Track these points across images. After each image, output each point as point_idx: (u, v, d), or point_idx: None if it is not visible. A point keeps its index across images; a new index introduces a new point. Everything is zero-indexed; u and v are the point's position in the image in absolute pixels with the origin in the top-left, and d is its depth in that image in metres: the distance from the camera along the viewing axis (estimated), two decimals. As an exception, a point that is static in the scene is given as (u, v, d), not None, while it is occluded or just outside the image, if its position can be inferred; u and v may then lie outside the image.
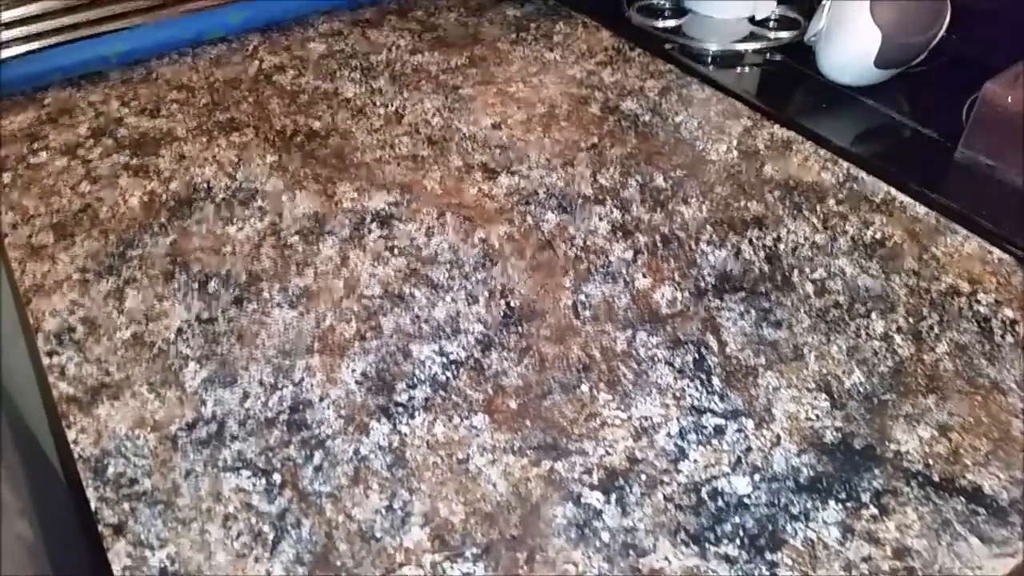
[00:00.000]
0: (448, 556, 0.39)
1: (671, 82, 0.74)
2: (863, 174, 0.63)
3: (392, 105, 0.71)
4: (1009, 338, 0.50)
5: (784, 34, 0.81)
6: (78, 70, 0.74)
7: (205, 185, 0.62)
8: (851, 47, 0.72)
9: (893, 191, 0.61)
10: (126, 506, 0.41)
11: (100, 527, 0.40)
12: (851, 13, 0.71)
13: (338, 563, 0.38)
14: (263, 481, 0.42)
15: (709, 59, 0.79)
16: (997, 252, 0.56)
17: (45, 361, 0.49)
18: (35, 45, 0.71)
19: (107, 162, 0.64)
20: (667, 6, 0.86)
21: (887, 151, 0.67)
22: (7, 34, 0.69)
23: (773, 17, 0.84)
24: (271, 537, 0.40)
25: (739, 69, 0.78)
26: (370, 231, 0.58)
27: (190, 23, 0.77)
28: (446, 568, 0.38)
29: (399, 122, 0.69)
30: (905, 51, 0.73)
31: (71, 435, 0.44)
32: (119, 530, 0.40)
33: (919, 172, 0.64)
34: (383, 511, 0.41)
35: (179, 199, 0.61)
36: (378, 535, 0.40)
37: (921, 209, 0.59)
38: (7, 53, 0.70)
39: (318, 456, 0.43)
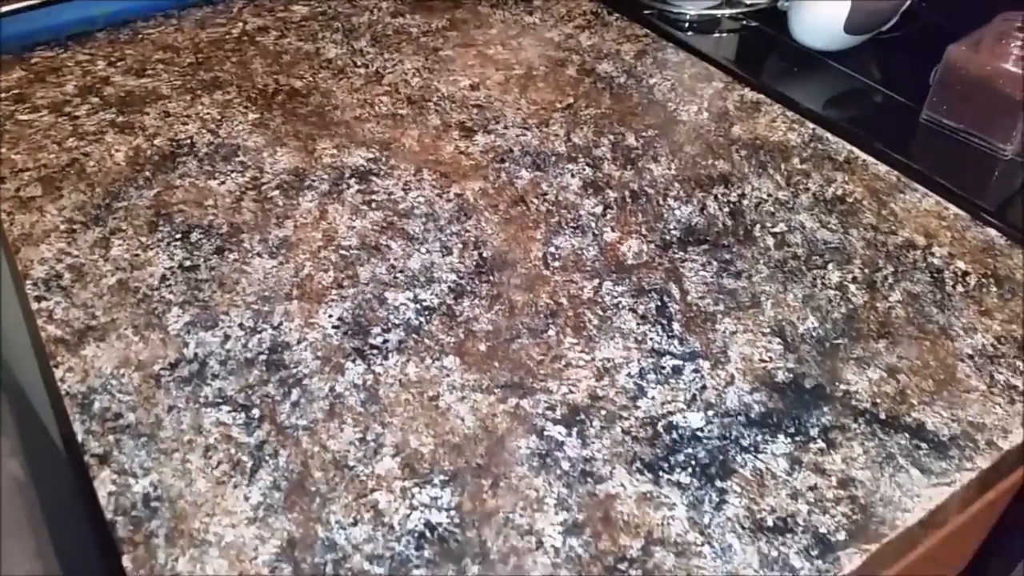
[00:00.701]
0: (417, 482, 0.41)
1: (647, 46, 0.75)
2: (828, 135, 0.65)
3: (373, 66, 0.72)
4: (960, 288, 0.52)
5: (759, 0, 0.82)
6: (65, 30, 0.75)
7: (189, 141, 0.63)
8: (821, 12, 0.74)
9: (856, 151, 0.63)
10: (111, 438, 0.43)
11: (86, 457, 0.42)
12: (822, -23, 0.73)
13: (313, 489, 0.41)
14: (242, 415, 0.44)
15: (686, 25, 0.80)
16: (953, 208, 0.58)
17: (34, 306, 0.50)
18: (23, 4, 0.72)
19: (93, 119, 0.66)
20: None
21: (854, 113, 0.69)
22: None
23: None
24: (249, 465, 0.42)
25: (715, 35, 0.80)
26: (349, 186, 0.59)
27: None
28: (415, 493, 0.40)
29: (379, 82, 0.70)
30: (874, 16, 0.74)
31: (59, 373, 0.46)
32: (104, 459, 0.42)
33: (884, 133, 0.66)
34: (356, 443, 0.43)
35: (163, 154, 0.62)
36: (351, 464, 0.42)
37: (883, 168, 0.61)
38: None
39: (295, 393, 0.45)
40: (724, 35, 0.80)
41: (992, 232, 0.56)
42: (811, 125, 0.65)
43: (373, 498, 0.40)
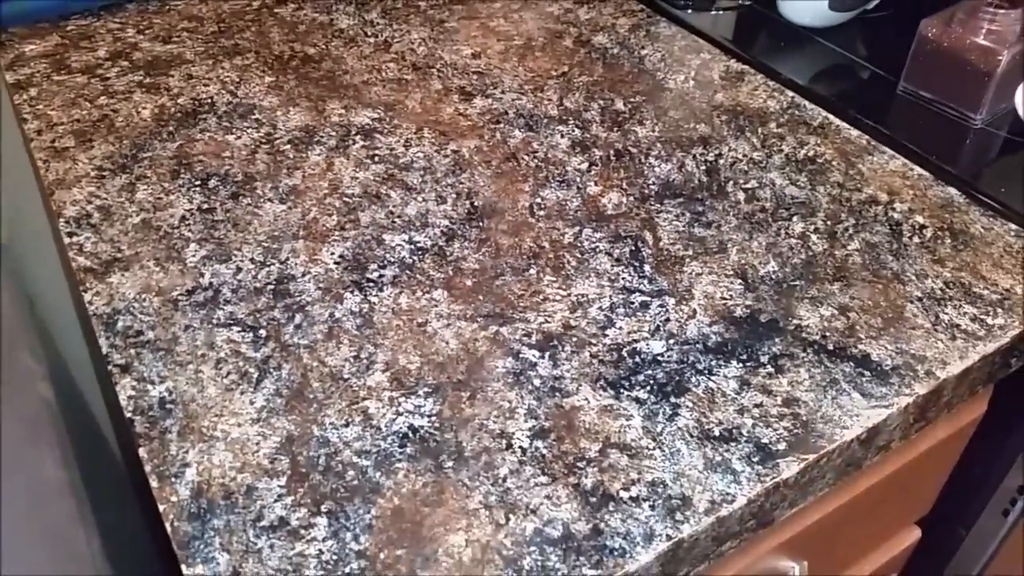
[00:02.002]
0: (403, 393, 0.46)
1: (641, 20, 0.79)
2: (806, 102, 0.69)
3: (382, 36, 0.77)
4: (916, 239, 0.56)
5: (754, -21, 0.86)
6: (99, 1, 0.81)
7: (209, 100, 0.69)
8: (808, -11, 0.77)
9: (831, 117, 0.67)
10: (132, 351, 0.48)
11: (109, 367, 0.47)
12: (809, -42, 0.77)
13: (311, 396, 0.46)
14: (250, 335, 0.49)
15: (682, 3, 0.84)
16: (918, 169, 0.62)
17: (66, 240, 0.56)
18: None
19: (123, 80, 0.71)
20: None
21: (834, 84, 0.73)
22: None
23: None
24: (255, 376, 0.47)
25: (709, 12, 0.84)
26: (354, 142, 0.64)
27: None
28: (401, 402, 0.45)
29: (387, 50, 0.75)
30: (859, -5, 0.78)
31: (87, 298, 0.52)
32: (125, 369, 0.47)
33: (860, 102, 0.70)
34: (351, 359, 0.48)
35: (186, 112, 0.67)
36: (346, 376, 0.47)
37: (855, 132, 0.65)
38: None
39: (299, 317, 0.50)
40: (718, 13, 0.84)
41: (952, 191, 0.60)
42: (791, 94, 0.69)
43: (364, 405, 0.45)
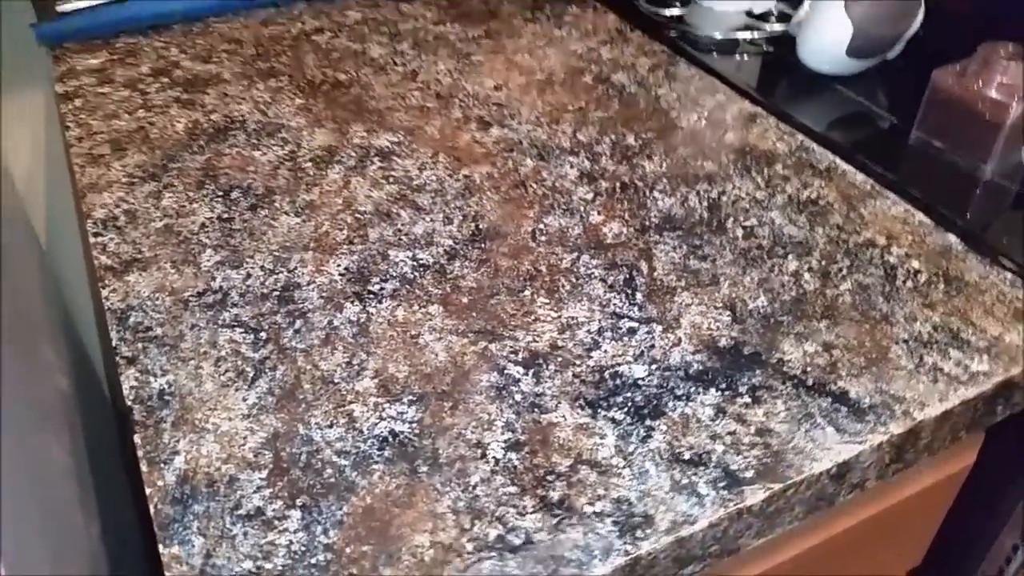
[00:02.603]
0: (388, 400, 0.48)
1: (661, 61, 0.82)
2: (815, 146, 0.70)
3: (410, 65, 0.81)
4: (909, 283, 0.57)
5: (778, 27, 0.88)
6: (147, 22, 0.86)
7: (241, 118, 0.72)
8: (826, 37, 0.79)
9: (838, 161, 0.68)
10: (139, 345, 0.51)
11: (117, 358, 0.50)
12: (828, 6, 0.79)
13: (301, 397, 0.48)
14: (251, 336, 0.52)
15: (704, 46, 0.86)
16: (920, 216, 0.63)
17: (92, 240, 0.59)
18: (112, -4, 0.83)
19: (161, 95, 0.75)
20: (677, -2, 0.94)
21: (846, 130, 0.74)
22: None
23: (773, 12, 0.91)
24: (251, 375, 0.49)
25: (729, 56, 0.86)
26: (372, 163, 0.67)
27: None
28: (385, 408, 0.47)
29: (413, 79, 0.78)
30: (877, 44, 0.80)
31: (104, 293, 0.55)
32: (132, 361, 0.50)
33: (870, 148, 0.71)
34: (343, 365, 0.50)
35: (217, 128, 0.71)
36: (336, 381, 0.49)
37: (860, 177, 0.66)
38: (90, 3, 0.82)
39: (299, 323, 0.53)
40: (739, 57, 0.86)
41: (952, 238, 0.60)
42: (801, 137, 0.71)
43: (349, 408, 0.47)
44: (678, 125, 0.72)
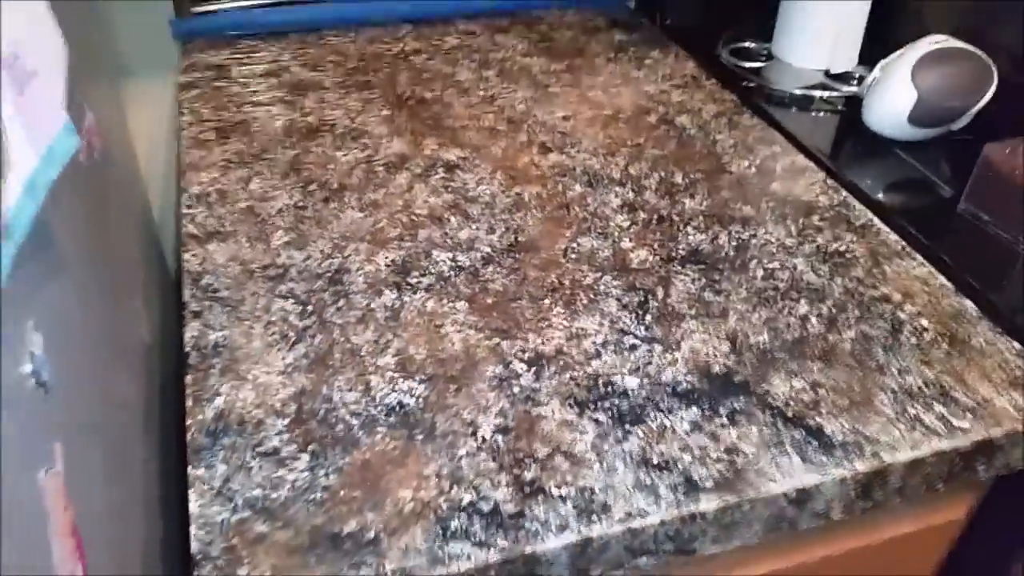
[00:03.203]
0: (403, 376, 0.54)
1: (727, 109, 0.86)
2: (856, 203, 0.73)
3: (491, 91, 0.88)
4: (913, 339, 0.59)
5: (853, 88, 0.91)
6: (269, 28, 0.96)
7: (331, 122, 0.81)
8: (889, 102, 0.82)
9: (876, 220, 0.71)
10: (206, 303, 0.59)
11: (185, 312, 0.59)
12: (896, 71, 0.82)
13: (330, 363, 0.55)
14: (300, 308, 0.59)
15: (777, 100, 0.90)
16: (942, 279, 0.65)
17: (184, 211, 0.68)
18: (241, 3, 0.94)
19: (268, 94, 0.85)
20: (761, 52, 0.98)
21: (894, 193, 0.77)
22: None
23: (852, 73, 0.94)
24: (293, 339, 0.57)
25: (801, 112, 0.89)
26: (437, 173, 0.74)
27: (365, 7, 0.98)
28: (399, 382, 0.54)
29: (491, 103, 0.85)
30: (941, 114, 0.82)
31: (186, 257, 0.63)
32: (197, 315, 0.58)
33: (913, 212, 0.73)
34: (371, 342, 0.57)
35: (310, 128, 0.80)
36: (362, 354, 0.56)
37: (893, 237, 0.69)
38: (222, 6, 0.93)
39: (342, 302, 0.60)
40: (807, 113, 0.90)
41: (969, 304, 0.63)
42: (844, 194, 0.74)
43: (368, 378, 0.54)
44: (727, 169, 0.76)
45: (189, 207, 0.68)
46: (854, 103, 0.87)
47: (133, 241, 0.78)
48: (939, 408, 0.54)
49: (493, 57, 0.95)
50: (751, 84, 0.93)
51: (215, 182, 0.72)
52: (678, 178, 0.75)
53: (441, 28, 1.01)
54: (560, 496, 0.47)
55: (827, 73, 0.95)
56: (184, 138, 0.77)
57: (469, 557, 0.44)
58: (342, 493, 0.47)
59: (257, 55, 0.92)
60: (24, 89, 0.40)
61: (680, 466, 0.49)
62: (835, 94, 0.91)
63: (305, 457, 0.49)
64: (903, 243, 0.69)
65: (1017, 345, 0.59)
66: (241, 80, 0.87)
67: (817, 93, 0.91)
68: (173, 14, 0.94)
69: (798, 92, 0.91)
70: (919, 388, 0.55)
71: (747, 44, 1.00)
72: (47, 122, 0.42)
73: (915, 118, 0.81)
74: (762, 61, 0.97)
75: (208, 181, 0.72)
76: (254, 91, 0.85)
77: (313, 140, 0.78)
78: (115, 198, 0.71)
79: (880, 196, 0.75)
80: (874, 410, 0.54)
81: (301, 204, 0.70)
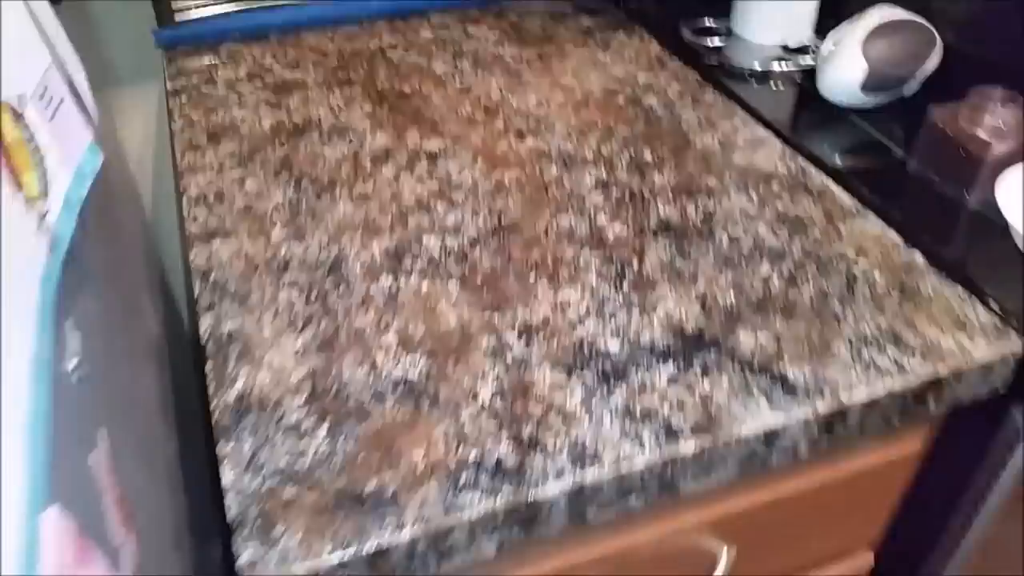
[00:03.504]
0: (406, 352, 0.59)
1: (691, 87, 0.91)
2: (813, 169, 0.78)
3: (467, 82, 0.92)
4: (867, 291, 0.65)
5: (809, 60, 0.96)
6: (249, 32, 1.00)
7: (317, 120, 0.85)
8: (841, 73, 0.87)
9: (831, 183, 0.77)
10: (216, 296, 0.64)
11: (197, 307, 0.63)
12: (846, 43, 0.87)
13: (337, 345, 0.60)
14: (304, 296, 0.64)
15: (739, 76, 0.95)
16: (894, 236, 0.71)
17: (185, 212, 0.73)
18: (220, 10, 0.98)
19: (253, 96, 0.89)
20: (719, 29, 1.03)
21: (849, 158, 0.83)
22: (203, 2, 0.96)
23: (809, 46, 0.99)
24: (301, 325, 0.61)
25: (756, 85, 0.95)
26: (420, 163, 0.79)
27: (340, 6, 1.02)
28: (402, 358, 0.59)
29: (467, 94, 0.90)
30: (891, 81, 0.87)
31: (191, 255, 0.68)
32: (209, 308, 0.63)
33: (866, 174, 0.79)
34: (373, 324, 0.62)
35: (297, 127, 0.84)
36: (366, 335, 0.61)
37: (847, 198, 0.75)
38: (202, 13, 0.97)
39: (342, 288, 0.65)
40: (766, 86, 0.95)
41: (918, 256, 0.68)
42: (803, 162, 0.80)
43: (374, 356, 0.59)
44: (692, 144, 0.82)
45: (190, 209, 0.73)
46: (811, 75, 0.92)
47: (136, 242, 0.82)
48: (891, 351, 0.60)
49: (467, 48, 0.99)
50: (712, 62, 0.98)
51: (211, 184, 0.76)
52: (647, 155, 0.80)
53: (415, 22, 1.05)
54: (556, 448, 0.53)
55: (785, 47, 1.00)
56: (177, 143, 0.81)
57: (479, 504, 0.49)
58: (360, 458, 0.52)
59: (239, 58, 0.96)
60: (54, 115, 0.44)
61: (660, 415, 0.55)
62: (792, 67, 0.96)
63: (323, 429, 0.54)
64: (857, 204, 0.74)
65: (961, 290, 0.65)
66: (227, 84, 0.91)
67: (775, 67, 0.96)
68: (155, 24, 0.97)
69: (757, 67, 0.96)
70: (873, 335, 0.61)
71: (708, 23, 1.05)
72: (75, 142, 0.46)
73: (868, 87, 0.87)
74: (722, 38, 1.02)
75: (205, 183, 0.76)
76: (240, 93, 0.89)
77: (301, 138, 0.83)
78: (118, 203, 0.76)
79: (836, 161, 0.81)
80: (832, 356, 0.59)
81: (295, 200, 0.74)
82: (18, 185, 0.38)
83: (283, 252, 0.68)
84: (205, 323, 0.62)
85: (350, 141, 0.82)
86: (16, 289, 0.35)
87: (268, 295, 0.64)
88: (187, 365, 0.88)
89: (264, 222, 0.72)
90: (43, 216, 0.39)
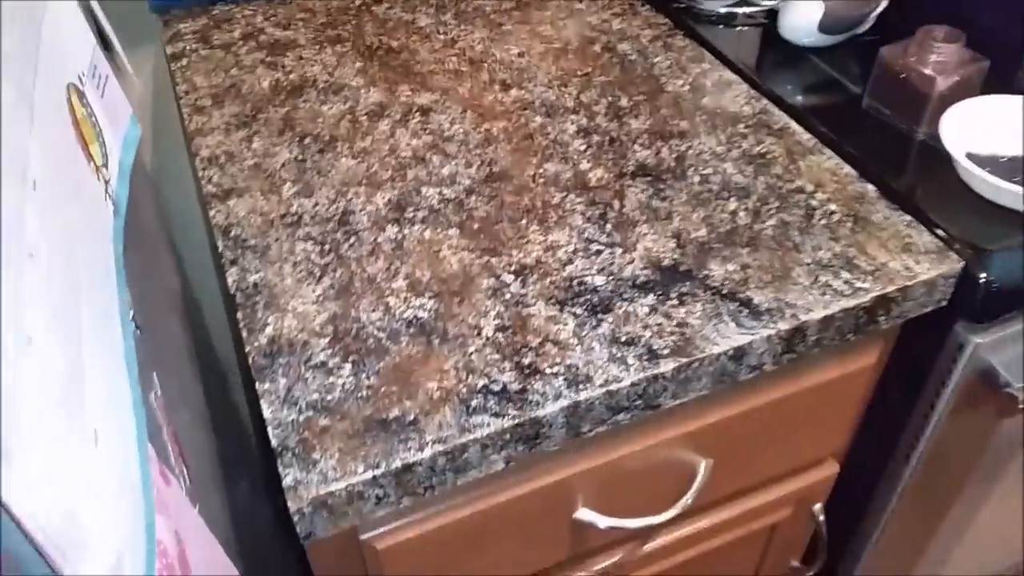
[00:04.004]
0: (414, 295, 0.66)
1: (662, 33, 0.97)
2: (775, 109, 0.85)
3: (451, 34, 0.98)
4: (823, 222, 0.73)
5: (769, 2, 1.02)
6: (237, -8, 1.04)
7: (312, 78, 0.91)
8: (800, 14, 0.93)
9: (791, 122, 0.83)
10: (239, 251, 0.71)
11: (223, 260, 0.70)
12: (805, -14, 0.93)
13: (353, 291, 0.67)
14: (318, 248, 0.71)
15: (705, 19, 1.01)
16: (848, 168, 0.78)
17: (199, 173, 0.79)
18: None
19: (250, 57, 0.94)
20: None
21: (808, 96, 0.89)
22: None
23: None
24: (318, 275, 0.68)
25: (723, 28, 1.00)
26: (414, 117, 0.85)
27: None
28: (412, 300, 0.66)
29: (452, 46, 0.95)
30: (846, 20, 0.93)
31: (211, 213, 0.74)
32: (233, 262, 0.70)
33: (823, 112, 0.86)
34: (384, 270, 0.69)
35: (294, 86, 0.90)
36: (378, 280, 0.68)
37: (806, 136, 0.82)
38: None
39: (352, 239, 0.72)
40: (732, 29, 1.01)
41: (870, 187, 0.76)
42: (765, 102, 0.86)
43: (387, 299, 0.66)
44: (665, 89, 0.88)
45: (204, 170, 0.79)
46: (774, 16, 0.98)
47: (149, 200, 0.88)
48: (845, 274, 0.68)
49: (448, 1, 1.04)
50: (681, 5, 1.03)
51: (221, 144, 0.82)
52: (623, 102, 0.86)
53: (395, -24, 1.09)
54: (552, 373, 0.60)
55: (750, -11, 1.05)
56: (183, 106, 0.87)
57: (489, 425, 0.57)
58: (382, 390, 0.60)
59: (232, 20, 1.00)
60: (104, 92, 0.50)
61: (643, 340, 0.63)
62: (756, 9, 1.02)
63: (348, 366, 0.61)
64: (815, 140, 0.81)
65: (908, 218, 0.73)
66: (224, 45, 0.96)
67: (740, 10, 1.02)
68: (147, -12, 1.01)
69: (723, 10, 1.02)
70: (828, 260, 0.69)
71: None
72: (120, 115, 0.52)
73: (824, 27, 0.93)
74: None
75: (214, 144, 0.82)
76: (237, 54, 0.94)
77: (299, 97, 0.88)
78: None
79: (796, 100, 0.87)
80: (792, 281, 0.67)
81: (300, 157, 0.80)
82: (89, 156, 0.44)
83: (295, 207, 0.75)
84: (232, 276, 0.68)
85: (346, 98, 0.88)
86: (101, 249, 0.41)
87: (286, 248, 0.71)
88: (199, 319, 0.95)
89: (274, 179, 0.78)
90: (107, 183, 0.46)
